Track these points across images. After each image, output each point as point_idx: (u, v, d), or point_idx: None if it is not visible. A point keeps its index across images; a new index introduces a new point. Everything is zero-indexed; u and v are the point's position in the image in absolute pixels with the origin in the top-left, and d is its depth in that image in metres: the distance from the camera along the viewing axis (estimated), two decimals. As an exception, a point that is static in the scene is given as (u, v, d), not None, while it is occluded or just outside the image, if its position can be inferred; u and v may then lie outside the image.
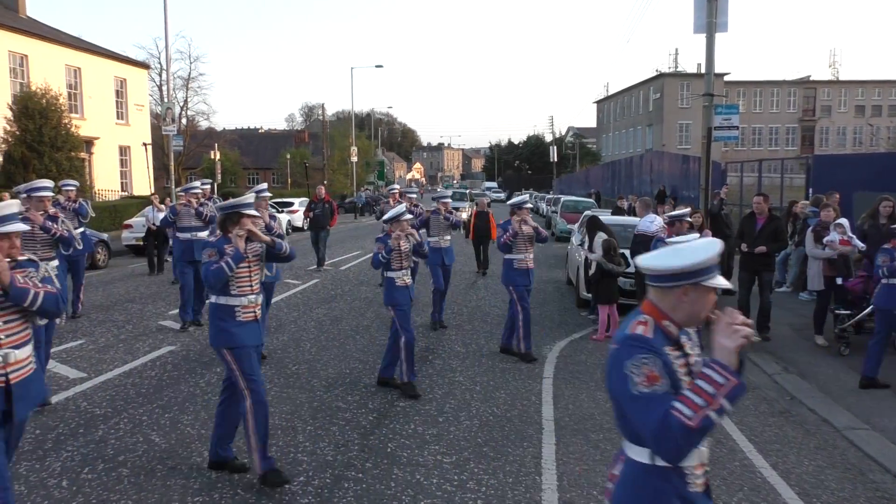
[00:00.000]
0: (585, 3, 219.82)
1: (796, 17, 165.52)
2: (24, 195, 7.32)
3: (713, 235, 10.75)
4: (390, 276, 7.21)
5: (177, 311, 10.35)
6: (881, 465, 5.54)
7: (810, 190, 15.72)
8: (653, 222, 10.34)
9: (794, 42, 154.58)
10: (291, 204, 30.20)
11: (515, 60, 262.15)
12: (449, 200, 11.60)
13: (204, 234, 9.59)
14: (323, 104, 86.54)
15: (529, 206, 8.56)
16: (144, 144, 30.33)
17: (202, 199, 10.89)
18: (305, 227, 19.51)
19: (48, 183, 7.83)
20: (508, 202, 8.94)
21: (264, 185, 8.74)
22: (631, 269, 10.21)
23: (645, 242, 9.79)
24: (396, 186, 15.68)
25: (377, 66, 68.37)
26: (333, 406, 6.64)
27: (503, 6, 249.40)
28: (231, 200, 5.29)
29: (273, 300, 12.22)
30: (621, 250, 10.31)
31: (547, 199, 37.36)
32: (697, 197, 13.68)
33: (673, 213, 8.97)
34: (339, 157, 59.52)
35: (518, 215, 8.46)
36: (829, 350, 8.77)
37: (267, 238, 4.99)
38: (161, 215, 14.34)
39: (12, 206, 3.90)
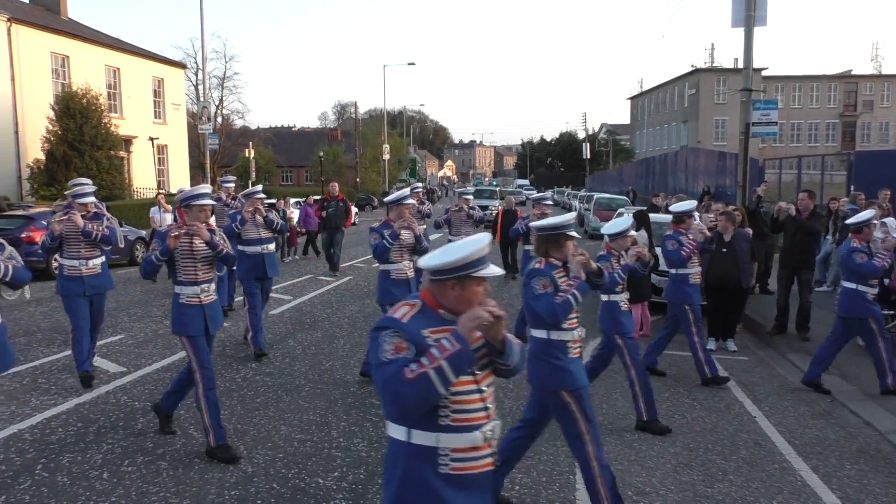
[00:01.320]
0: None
1: (837, 9, 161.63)
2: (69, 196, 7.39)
3: (752, 233, 10.59)
4: (385, 269, 6.87)
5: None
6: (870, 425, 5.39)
7: (851, 187, 15.37)
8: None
9: (834, 35, 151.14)
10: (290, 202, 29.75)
11: (548, 57, 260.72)
12: (470, 197, 12.39)
13: (273, 247, 8.67)
14: (355, 102, 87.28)
15: (549, 202, 9.72)
16: (151, 139, 30.60)
17: (228, 200, 10.89)
18: (317, 229, 18.08)
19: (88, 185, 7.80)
20: (531, 198, 10.32)
21: (233, 179, 8.99)
22: (664, 268, 10.08)
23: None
24: (420, 185, 14.37)
25: (409, 64, 68.52)
26: (367, 402, 6.67)
27: (536, 2, 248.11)
28: (184, 193, 5.62)
29: (307, 297, 12.39)
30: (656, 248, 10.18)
31: (580, 197, 37.02)
32: (735, 194, 13.43)
33: (677, 206, 8.07)
34: (371, 155, 59.87)
35: (538, 209, 9.66)
36: (872, 351, 8.55)
37: (206, 235, 5.34)
38: (168, 217, 14.10)
39: None
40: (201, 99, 30.30)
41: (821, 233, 10.04)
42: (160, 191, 20.35)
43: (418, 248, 6.93)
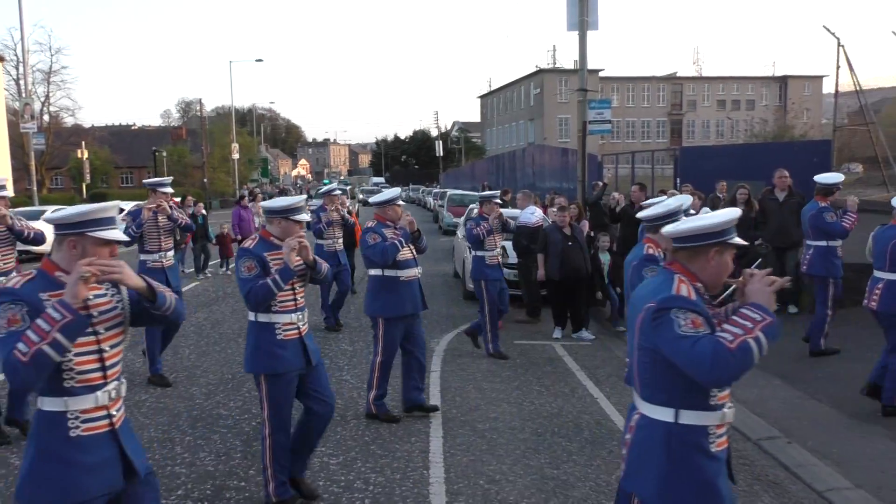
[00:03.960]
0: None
1: (664, 16, 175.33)
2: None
3: (593, 224, 11.24)
4: (390, 275, 6.08)
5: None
6: (743, 434, 5.94)
7: (678, 180, 16.70)
8: (533, 213, 10.63)
9: (662, 40, 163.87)
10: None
11: (400, 55, 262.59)
12: (341, 194, 11.03)
13: (173, 256, 7.64)
14: (200, 99, 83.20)
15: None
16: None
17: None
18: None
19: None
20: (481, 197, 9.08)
21: (167, 180, 7.74)
22: (512, 260, 10.49)
23: (526, 234, 10.07)
24: (336, 187, 11.89)
25: (257, 61, 66.33)
26: (214, 413, 6.38)
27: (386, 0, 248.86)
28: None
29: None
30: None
31: (434, 194, 37.61)
32: (576, 188, 14.20)
33: (483, 193, 9.64)
34: (219, 155, 57.25)
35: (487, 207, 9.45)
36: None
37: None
38: None
39: None
40: (23, 95, 27.63)
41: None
42: None
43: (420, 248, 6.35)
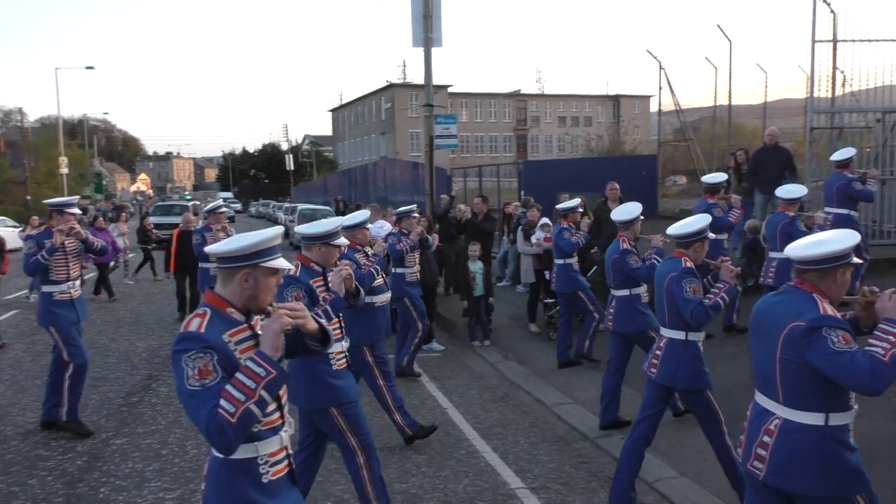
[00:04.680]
0: (318, 9, 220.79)
1: (509, 35, 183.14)
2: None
3: (442, 236, 11.44)
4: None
5: None
6: (582, 433, 6.26)
7: (522, 192, 17.45)
8: (382, 227, 10.65)
9: (508, 58, 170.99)
10: None
11: (246, 65, 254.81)
12: (224, 209, 10.20)
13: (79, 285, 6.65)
14: (21, 108, 75.96)
15: (76, 210, 6.47)
16: None
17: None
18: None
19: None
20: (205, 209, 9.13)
21: (73, 199, 6.72)
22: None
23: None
24: (222, 204, 10.65)
25: (88, 68, 61.75)
26: (32, 455, 5.78)
27: (231, 7, 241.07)
28: None
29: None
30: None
31: (284, 209, 36.74)
32: (425, 202, 14.39)
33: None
34: (45, 169, 52.51)
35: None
36: (541, 336, 9.74)
37: None
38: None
39: None
40: None
41: (493, 232, 11.19)
42: None
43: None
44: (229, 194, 74.60)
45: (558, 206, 8.50)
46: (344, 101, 76.44)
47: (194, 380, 2.34)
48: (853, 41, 10.30)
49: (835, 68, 10.34)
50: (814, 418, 2.92)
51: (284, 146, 79.27)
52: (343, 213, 24.89)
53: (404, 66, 68.14)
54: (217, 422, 2.28)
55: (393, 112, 62.29)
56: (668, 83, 17.74)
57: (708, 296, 4.46)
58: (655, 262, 5.77)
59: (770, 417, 3.04)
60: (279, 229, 2.71)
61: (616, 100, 73.47)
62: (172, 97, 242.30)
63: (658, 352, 4.63)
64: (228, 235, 9.12)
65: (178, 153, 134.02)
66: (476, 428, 6.44)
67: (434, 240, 10.94)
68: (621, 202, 10.02)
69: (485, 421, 6.66)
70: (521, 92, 72.51)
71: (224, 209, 10.10)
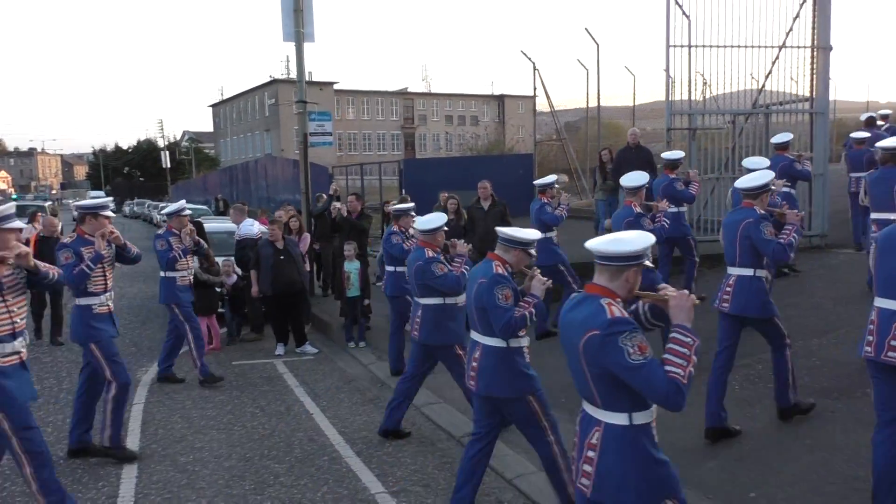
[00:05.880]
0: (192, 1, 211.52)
1: (395, 32, 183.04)
2: None
3: (319, 234, 11.24)
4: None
5: None
6: (448, 433, 6.25)
7: (403, 190, 17.42)
8: (252, 225, 10.35)
9: (394, 56, 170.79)
10: None
11: (117, 56, 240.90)
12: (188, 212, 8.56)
13: None
14: None
15: (110, 213, 6.02)
16: None
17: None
18: None
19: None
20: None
21: (108, 200, 6.10)
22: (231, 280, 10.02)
23: (251, 245, 9.68)
24: (184, 205, 8.56)
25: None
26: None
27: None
28: None
29: None
30: (225, 257, 10.16)
31: (160, 208, 34.88)
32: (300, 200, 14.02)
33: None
34: None
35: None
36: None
37: None
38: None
39: None
40: None
41: (368, 230, 11.07)
42: None
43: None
44: (101, 193, 70.19)
45: (391, 208, 8.93)
46: (225, 97, 73.85)
47: (637, 354, 2.74)
48: (706, 46, 10.89)
49: (691, 72, 10.91)
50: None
51: (161, 142, 75.38)
52: (224, 213, 23.60)
53: (287, 61, 66.47)
54: (675, 383, 2.72)
55: (277, 108, 60.68)
56: (543, 84, 18.26)
57: (781, 235, 5.14)
58: (665, 224, 7.24)
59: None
60: (651, 238, 3.06)
61: (501, 99, 74.97)
62: (35, 88, 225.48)
63: (728, 288, 5.30)
64: (193, 240, 8.12)
65: (42, 149, 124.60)
66: (342, 433, 6.29)
67: (305, 240, 10.69)
68: (493, 200, 10.17)
69: (351, 425, 6.52)
70: (409, 90, 72.63)
71: (188, 211, 8.47)
